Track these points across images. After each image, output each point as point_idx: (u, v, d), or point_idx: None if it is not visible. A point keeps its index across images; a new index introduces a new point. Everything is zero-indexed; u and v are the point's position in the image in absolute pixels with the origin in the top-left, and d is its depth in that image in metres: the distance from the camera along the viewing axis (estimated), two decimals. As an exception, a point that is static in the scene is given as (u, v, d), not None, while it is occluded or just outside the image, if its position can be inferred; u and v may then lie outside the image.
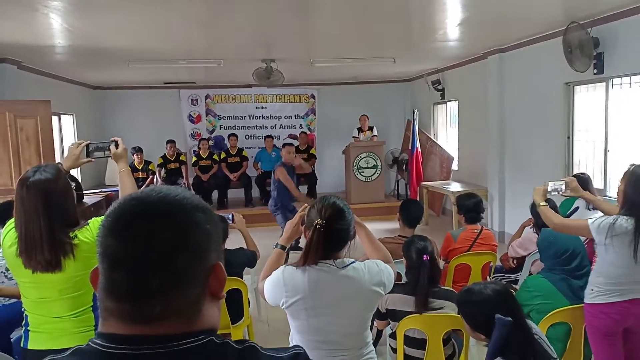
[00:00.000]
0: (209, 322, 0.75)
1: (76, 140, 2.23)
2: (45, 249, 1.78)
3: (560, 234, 2.65)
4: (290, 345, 0.99)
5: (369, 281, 1.80)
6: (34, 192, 1.80)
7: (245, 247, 3.54)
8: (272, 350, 0.77)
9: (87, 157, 2.22)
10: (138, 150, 8.16)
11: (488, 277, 3.87)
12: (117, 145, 2.24)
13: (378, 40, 5.85)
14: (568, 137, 5.58)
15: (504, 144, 6.66)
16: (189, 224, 0.74)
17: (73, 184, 2.07)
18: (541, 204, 2.66)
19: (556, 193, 2.84)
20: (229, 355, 0.72)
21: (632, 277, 2.38)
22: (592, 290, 2.45)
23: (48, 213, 1.80)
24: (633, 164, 2.45)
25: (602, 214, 2.67)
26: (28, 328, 1.96)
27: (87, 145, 2.23)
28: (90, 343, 0.71)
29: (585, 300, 2.48)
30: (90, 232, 1.86)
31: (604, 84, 4.98)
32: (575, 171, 5.40)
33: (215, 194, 8.87)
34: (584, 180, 3.76)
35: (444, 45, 6.30)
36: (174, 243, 0.71)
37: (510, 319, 1.82)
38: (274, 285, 1.83)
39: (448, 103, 8.67)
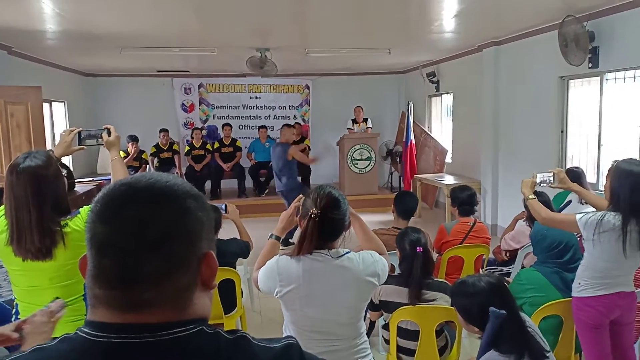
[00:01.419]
0: (199, 311, 0.73)
1: (68, 128, 2.20)
2: (35, 236, 1.76)
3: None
4: (283, 336, 0.98)
5: (363, 271, 1.79)
6: (24, 178, 1.77)
7: (238, 237, 3.53)
8: (264, 340, 0.76)
9: (78, 145, 2.19)
10: (134, 139, 8.10)
11: (481, 269, 3.88)
12: (109, 133, 2.21)
13: (374, 30, 5.81)
14: (562, 131, 5.59)
15: (497, 138, 6.67)
16: (179, 210, 0.72)
17: (64, 172, 2.04)
18: (530, 196, 2.65)
19: (545, 185, 2.82)
20: (220, 345, 0.71)
21: (619, 271, 2.40)
22: (580, 283, 2.47)
23: (38, 200, 1.77)
24: (616, 160, 2.46)
25: (593, 209, 2.68)
26: (18, 317, 1.93)
27: (79, 133, 2.20)
28: (78, 331, 0.70)
29: (573, 294, 2.51)
30: (81, 220, 1.84)
31: (598, 78, 4.99)
32: (569, 165, 5.42)
33: (208, 184, 8.83)
34: (577, 174, 3.76)
35: (439, 37, 6.28)
36: (164, 229, 0.70)
37: (504, 311, 1.83)
38: (268, 275, 1.82)
39: (443, 96, 8.67)
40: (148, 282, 0.69)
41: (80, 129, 2.22)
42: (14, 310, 1.96)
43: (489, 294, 1.93)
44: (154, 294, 0.69)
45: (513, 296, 2.01)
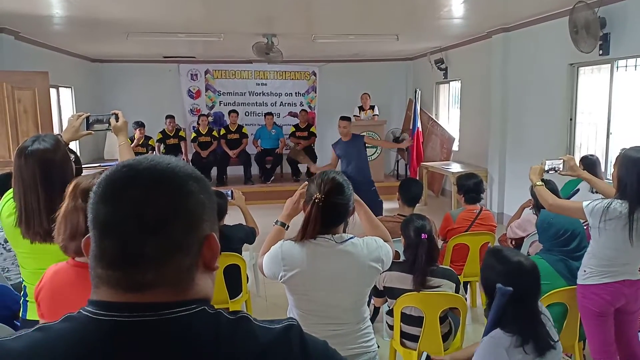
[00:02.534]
0: (202, 291, 0.74)
1: (76, 113, 2.20)
2: (43, 219, 1.77)
3: (561, 215, 2.64)
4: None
5: (367, 256, 1.79)
6: (32, 161, 1.78)
7: (244, 223, 3.54)
8: (265, 321, 0.76)
9: (86, 130, 2.19)
10: (140, 125, 8.11)
11: (486, 257, 3.88)
12: (117, 119, 2.21)
13: (381, 15, 5.74)
14: (570, 119, 5.53)
15: (505, 125, 6.61)
16: (181, 191, 0.72)
17: (72, 157, 2.05)
18: (537, 183, 2.63)
19: (554, 172, 2.80)
20: (221, 325, 0.71)
21: (625, 259, 2.39)
22: (585, 271, 2.46)
23: (46, 183, 1.78)
24: (624, 148, 2.44)
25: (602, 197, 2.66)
26: (27, 299, 1.96)
27: (87, 118, 2.20)
28: (81, 310, 0.70)
29: (578, 282, 2.50)
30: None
31: (608, 65, 4.92)
32: (576, 153, 5.38)
33: (214, 171, 8.85)
34: (592, 162, 3.73)
35: (448, 23, 6.20)
36: (166, 210, 0.70)
37: (510, 288, 1.82)
38: (273, 259, 1.83)
39: (451, 83, 8.59)
40: (149, 264, 0.69)
41: (89, 114, 2.22)
42: (22, 293, 1.98)
43: (515, 273, 1.88)
44: (156, 275, 0.69)
45: (539, 286, 1.96)
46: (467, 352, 2.41)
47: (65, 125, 7.57)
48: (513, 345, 1.81)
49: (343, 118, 5.77)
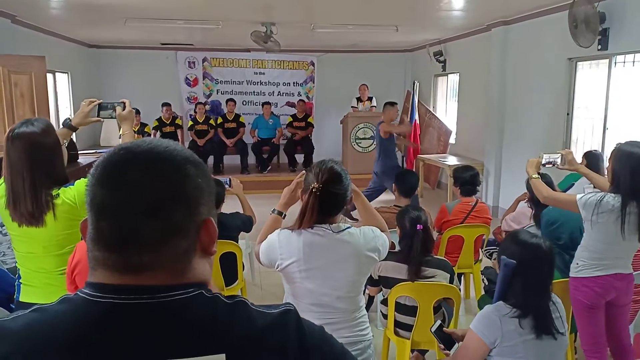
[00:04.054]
0: (199, 275, 0.74)
1: (87, 99, 2.20)
2: (28, 201, 1.78)
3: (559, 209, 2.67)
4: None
5: (363, 246, 1.80)
6: (18, 143, 1.78)
7: (241, 212, 3.55)
8: (262, 306, 0.77)
9: (97, 116, 2.18)
10: (136, 112, 8.06)
11: (480, 249, 3.91)
12: (124, 107, 2.21)
13: (381, 6, 5.72)
14: (568, 114, 5.55)
15: (503, 119, 6.62)
16: (178, 175, 0.72)
17: (66, 143, 2.04)
18: (533, 176, 2.66)
19: (551, 165, 2.82)
20: (218, 309, 0.71)
21: (617, 252, 2.42)
22: (577, 264, 2.49)
23: (31, 166, 1.78)
24: (619, 143, 2.45)
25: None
26: (20, 281, 1.97)
27: (99, 105, 2.20)
28: (78, 292, 0.70)
29: (570, 274, 2.53)
30: (73, 192, 1.83)
31: (607, 60, 4.92)
32: (573, 148, 5.40)
33: (210, 160, 8.83)
34: (595, 157, 3.74)
35: (448, 15, 6.18)
36: (163, 193, 0.70)
37: (514, 261, 1.83)
38: (269, 248, 1.84)
39: (449, 75, 8.58)
40: (146, 246, 0.69)
41: (101, 100, 2.22)
42: (17, 275, 1.99)
43: (529, 256, 1.86)
44: (152, 258, 0.69)
45: (553, 267, 1.95)
46: None
47: (60, 111, 7.56)
48: (510, 315, 1.81)
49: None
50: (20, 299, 1.95)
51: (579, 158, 3.49)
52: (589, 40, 4.70)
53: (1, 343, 0.66)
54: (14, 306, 2.13)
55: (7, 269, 2.80)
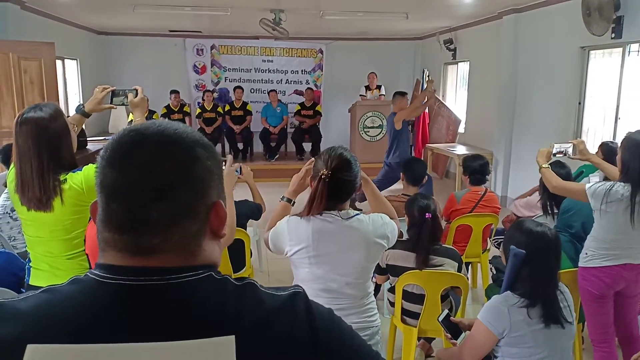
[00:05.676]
0: (209, 257, 0.74)
1: (100, 85, 2.20)
2: (35, 186, 1.79)
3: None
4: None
5: (372, 233, 1.80)
6: (26, 128, 1.79)
7: (251, 199, 3.55)
8: (271, 288, 0.77)
9: (110, 103, 2.19)
10: None
11: (489, 239, 3.89)
12: (136, 94, 2.20)
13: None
14: (579, 103, 5.48)
15: (513, 108, 6.56)
16: (188, 157, 0.72)
17: (75, 127, 2.05)
18: (543, 165, 2.64)
19: (562, 155, 2.79)
20: (227, 290, 0.71)
21: (626, 242, 2.39)
22: (587, 254, 2.47)
23: (38, 151, 1.78)
24: (630, 132, 2.42)
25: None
26: (30, 264, 1.99)
27: (112, 92, 2.20)
28: (88, 274, 0.71)
29: (580, 264, 2.51)
30: (80, 178, 1.83)
31: (620, 49, 4.84)
32: (583, 138, 5.34)
33: (218, 147, 8.84)
34: (611, 149, 3.70)
35: (459, 2, 6.10)
36: (173, 175, 0.70)
37: (524, 251, 1.82)
38: (279, 234, 1.85)
39: (459, 64, 8.49)
40: (155, 229, 0.69)
41: (114, 87, 2.22)
42: (27, 258, 2.02)
43: (535, 244, 1.86)
44: (162, 240, 0.69)
45: (560, 259, 1.94)
46: None
47: (70, 97, 7.59)
48: (518, 305, 1.81)
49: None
50: (30, 282, 1.98)
51: (589, 148, 3.45)
52: (602, 28, 4.62)
53: (12, 323, 0.66)
54: (24, 290, 2.16)
55: (17, 253, 2.84)
